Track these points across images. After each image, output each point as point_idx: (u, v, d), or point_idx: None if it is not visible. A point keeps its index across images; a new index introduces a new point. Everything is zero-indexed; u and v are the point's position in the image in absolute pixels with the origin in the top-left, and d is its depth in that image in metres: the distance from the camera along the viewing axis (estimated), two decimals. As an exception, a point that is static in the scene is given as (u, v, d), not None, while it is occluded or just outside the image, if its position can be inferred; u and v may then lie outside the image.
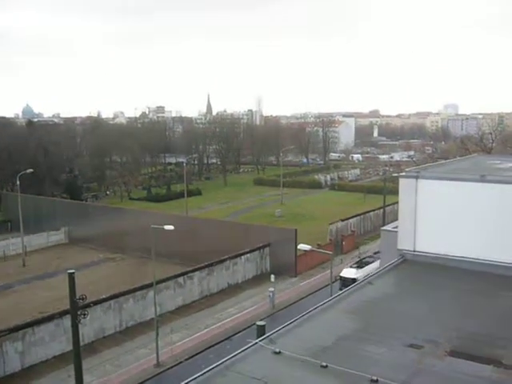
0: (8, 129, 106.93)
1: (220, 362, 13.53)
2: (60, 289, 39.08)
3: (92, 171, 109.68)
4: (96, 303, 36.17)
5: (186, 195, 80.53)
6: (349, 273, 46.44)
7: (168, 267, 48.08)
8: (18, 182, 63.36)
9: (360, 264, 48.31)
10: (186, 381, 12.26)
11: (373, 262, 46.26)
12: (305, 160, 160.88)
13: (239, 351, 13.83)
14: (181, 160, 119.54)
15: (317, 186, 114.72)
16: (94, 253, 63.35)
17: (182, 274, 45.33)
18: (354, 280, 37.59)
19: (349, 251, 60.55)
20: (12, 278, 54.21)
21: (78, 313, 26.39)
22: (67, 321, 31.50)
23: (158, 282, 39.19)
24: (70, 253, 64.80)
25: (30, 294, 49.23)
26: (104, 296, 38.97)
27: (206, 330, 39.48)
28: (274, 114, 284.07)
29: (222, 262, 49.09)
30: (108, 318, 39.05)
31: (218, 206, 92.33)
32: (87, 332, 36.70)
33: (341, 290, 36.33)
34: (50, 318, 35.63)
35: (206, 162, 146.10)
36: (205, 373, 12.84)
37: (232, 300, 46.31)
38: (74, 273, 26.17)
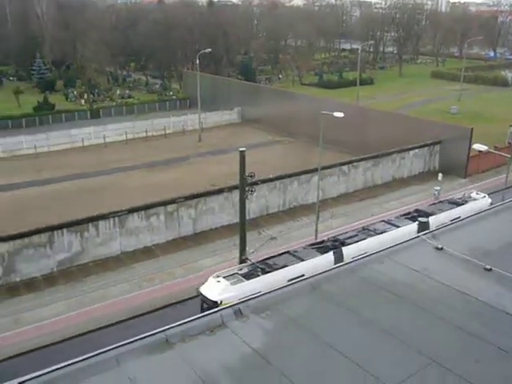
0: (190, 9, 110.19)
1: (379, 250, 13.64)
2: (230, 165, 41.16)
3: (266, 54, 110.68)
4: (263, 182, 37.81)
5: (358, 83, 78.59)
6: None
7: (334, 155, 48.35)
8: (197, 61, 66.13)
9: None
10: (340, 264, 12.59)
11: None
12: (492, 54, 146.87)
13: (400, 242, 13.79)
14: (356, 47, 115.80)
15: (502, 83, 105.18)
16: (264, 134, 65.57)
17: (348, 163, 45.47)
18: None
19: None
20: (189, 151, 58.40)
21: (246, 189, 27.89)
22: (235, 195, 33.51)
23: (323, 168, 39.66)
24: (242, 132, 67.63)
25: (203, 166, 52.87)
26: (271, 176, 40.59)
27: (365, 220, 39.78)
28: (463, 1, 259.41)
29: (389, 154, 48.20)
30: (273, 197, 40.90)
31: (389, 98, 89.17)
32: (253, 208, 38.85)
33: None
34: (220, 191, 38.19)
35: (381, 49, 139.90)
36: (363, 257, 13.07)
37: (395, 193, 45.77)
38: (244, 151, 27.37)
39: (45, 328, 27.09)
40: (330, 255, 27.69)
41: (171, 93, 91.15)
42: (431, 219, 31.49)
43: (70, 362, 8.80)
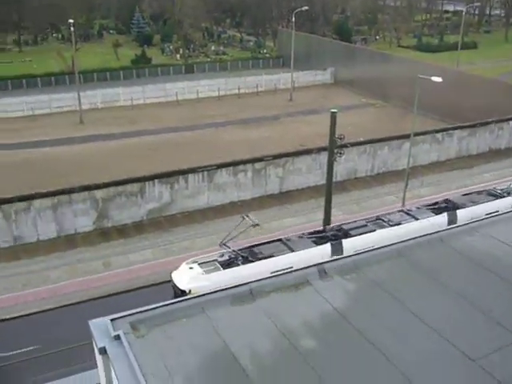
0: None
1: (468, 222, 13.20)
2: (320, 126, 40.90)
3: (364, 14, 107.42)
4: (353, 145, 37.18)
5: (459, 47, 74.82)
6: None
7: (427, 121, 46.73)
8: (293, 19, 65.22)
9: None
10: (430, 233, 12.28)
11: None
12: None
13: (489, 216, 13.27)
14: (460, 8, 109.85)
15: None
16: (356, 96, 64.29)
17: (442, 130, 43.81)
18: None
19: None
20: (280, 110, 58.32)
21: (335, 151, 27.60)
22: (323, 157, 33.30)
23: (416, 135, 38.45)
24: (334, 93, 66.59)
25: (293, 126, 52.72)
26: (361, 139, 39.89)
27: (454, 191, 38.43)
28: None
29: (486, 124, 45.92)
30: (361, 161, 40.26)
31: (491, 64, 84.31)
32: (340, 171, 38.47)
33: None
34: (308, 152, 38.05)
35: (487, 12, 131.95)
36: (454, 228, 12.70)
37: (490, 165, 43.74)
38: (336, 112, 27.00)
39: (132, 272, 28.47)
40: (327, 247, 24.87)
41: (265, 51, 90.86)
42: (459, 212, 27.58)
43: (158, 304, 9.21)
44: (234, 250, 24.51)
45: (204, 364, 7.90)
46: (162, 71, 75.17)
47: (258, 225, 25.57)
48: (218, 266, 23.95)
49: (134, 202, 33.28)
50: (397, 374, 8.28)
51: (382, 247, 11.98)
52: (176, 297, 22.65)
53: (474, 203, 28.78)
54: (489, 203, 28.58)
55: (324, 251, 24.41)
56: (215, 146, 45.71)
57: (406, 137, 38.60)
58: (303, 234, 26.30)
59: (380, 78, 63.26)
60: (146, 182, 33.34)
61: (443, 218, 27.12)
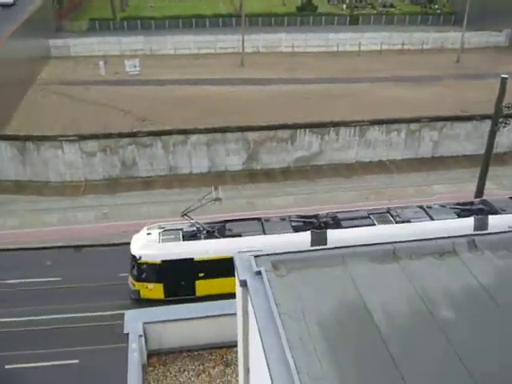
0: None
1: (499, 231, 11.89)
2: (486, 92, 38.16)
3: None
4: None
5: None
6: None
7: None
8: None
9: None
10: None
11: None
12: None
13: None
14: None
15: None
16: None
17: None
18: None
19: None
20: (443, 72, 55.20)
21: (500, 120, 25.80)
22: (486, 125, 31.27)
23: None
24: (508, 58, 61.55)
25: (456, 89, 49.74)
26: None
27: None
28: None
29: None
30: (528, 134, 37.31)
31: None
32: (502, 142, 36.00)
33: None
34: (469, 118, 36.03)
35: None
36: None
37: None
38: (506, 78, 25.11)
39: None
40: (306, 235, 22.67)
41: (436, 6, 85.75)
42: (491, 218, 23.08)
43: (299, 249, 9.41)
44: (197, 222, 23.64)
45: (339, 314, 8.01)
46: (326, 20, 74.04)
47: (220, 199, 24.94)
48: (179, 236, 23.15)
49: (283, 148, 33.90)
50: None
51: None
52: (132, 261, 22.76)
53: None
54: None
55: (301, 238, 22.51)
56: (370, 102, 44.62)
57: None
58: (289, 216, 24.55)
59: None
60: (298, 130, 33.73)
61: (467, 222, 23.05)
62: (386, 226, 23.27)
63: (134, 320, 11.74)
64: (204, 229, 23.46)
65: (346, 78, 51.28)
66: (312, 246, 21.77)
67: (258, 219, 24.12)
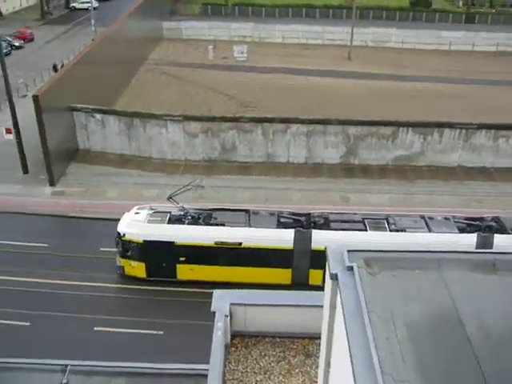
0: None
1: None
2: None
3: None
4: None
5: None
6: None
7: None
8: None
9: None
10: None
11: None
12: None
13: None
14: None
15: None
16: None
17: None
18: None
19: None
20: None
21: None
22: None
23: None
24: None
25: None
26: None
27: None
28: None
29: None
30: None
31: None
32: None
33: None
34: None
35: None
36: None
37: None
38: None
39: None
40: (289, 233, 22.38)
41: None
42: (497, 237, 21.77)
43: (393, 248, 9.26)
44: (183, 207, 23.66)
45: (429, 319, 7.83)
46: (440, 17, 71.42)
47: (202, 186, 25.58)
48: (166, 219, 23.35)
49: (383, 145, 33.25)
50: None
51: None
52: (116, 237, 23.31)
53: None
54: None
55: (284, 236, 22.48)
56: (479, 105, 42.75)
57: None
58: (281, 211, 24.14)
59: None
60: (400, 128, 32.90)
61: (468, 238, 21.87)
62: (382, 233, 22.52)
63: (221, 300, 12.02)
64: (189, 214, 23.66)
65: (457, 79, 49.36)
66: (295, 245, 22.56)
67: (247, 211, 24.04)
